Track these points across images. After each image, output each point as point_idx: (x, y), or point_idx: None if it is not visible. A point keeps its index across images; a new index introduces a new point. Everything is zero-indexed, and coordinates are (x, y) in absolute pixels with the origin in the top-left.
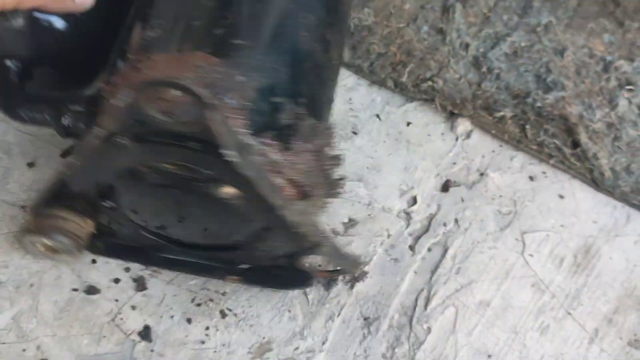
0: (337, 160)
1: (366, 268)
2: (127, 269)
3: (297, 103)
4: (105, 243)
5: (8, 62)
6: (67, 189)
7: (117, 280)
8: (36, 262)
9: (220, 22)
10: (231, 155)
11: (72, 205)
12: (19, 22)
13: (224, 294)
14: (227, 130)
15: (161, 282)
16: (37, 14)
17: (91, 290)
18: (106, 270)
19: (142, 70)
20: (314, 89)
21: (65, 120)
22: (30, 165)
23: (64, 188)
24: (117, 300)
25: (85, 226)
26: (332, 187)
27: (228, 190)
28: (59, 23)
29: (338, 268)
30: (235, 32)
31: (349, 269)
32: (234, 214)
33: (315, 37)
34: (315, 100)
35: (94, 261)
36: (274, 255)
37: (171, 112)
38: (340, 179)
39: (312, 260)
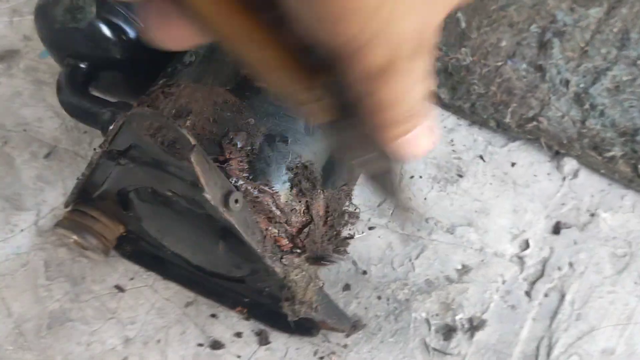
0: (349, 218)
1: (484, 316)
2: (247, 321)
3: (307, 156)
4: (132, 248)
5: (78, 63)
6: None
7: (239, 335)
8: (161, 318)
9: None
10: (210, 199)
11: (104, 206)
12: None
13: (345, 346)
14: (210, 174)
15: (282, 335)
16: (115, 20)
17: (216, 345)
18: (228, 323)
19: (168, 95)
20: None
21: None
22: None
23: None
24: (239, 357)
25: (114, 229)
26: (336, 246)
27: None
28: (130, 32)
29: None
30: None
31: (341, 329)
32: (230, 250)
33: None
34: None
35: (213, 315)
36: (275, 297)
37: (164, 144)
38: (347, 238)
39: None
